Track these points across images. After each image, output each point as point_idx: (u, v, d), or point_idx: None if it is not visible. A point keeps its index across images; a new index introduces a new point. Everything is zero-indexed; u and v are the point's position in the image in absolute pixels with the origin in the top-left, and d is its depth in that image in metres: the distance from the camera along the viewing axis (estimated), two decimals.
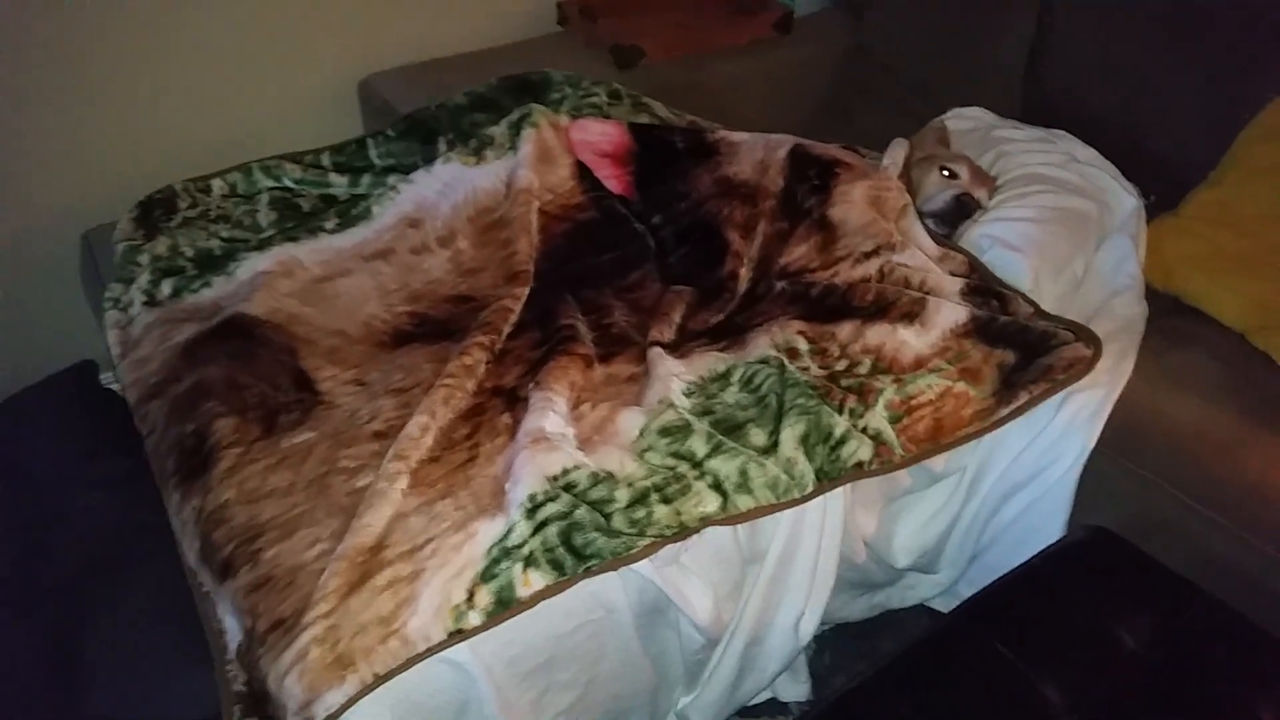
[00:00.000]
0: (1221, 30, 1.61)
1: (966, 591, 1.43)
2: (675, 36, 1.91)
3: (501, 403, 1.22)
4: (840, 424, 1.19)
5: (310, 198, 1.64)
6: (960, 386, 1.26)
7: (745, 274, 1.44)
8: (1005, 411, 1.25)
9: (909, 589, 1.46)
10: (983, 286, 1.41)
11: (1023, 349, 1.29)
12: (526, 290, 1.36)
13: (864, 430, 1.20)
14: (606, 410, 1.20)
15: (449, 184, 1.50)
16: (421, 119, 1.69)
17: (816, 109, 2.12)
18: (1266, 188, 1.47)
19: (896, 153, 1.57)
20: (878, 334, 1.30)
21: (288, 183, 1.65)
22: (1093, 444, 1.27)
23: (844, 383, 1.25)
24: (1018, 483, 1.32)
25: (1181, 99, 1.66)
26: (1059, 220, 1.50)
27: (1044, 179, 1.57)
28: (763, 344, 1.29)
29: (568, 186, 1.51)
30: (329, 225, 1.49)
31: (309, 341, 1.32)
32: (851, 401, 1.22)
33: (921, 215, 1.52)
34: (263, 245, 1.45)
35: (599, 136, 1.56)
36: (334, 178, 1.65)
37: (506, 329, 1.31)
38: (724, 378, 1.26)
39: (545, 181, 1.49)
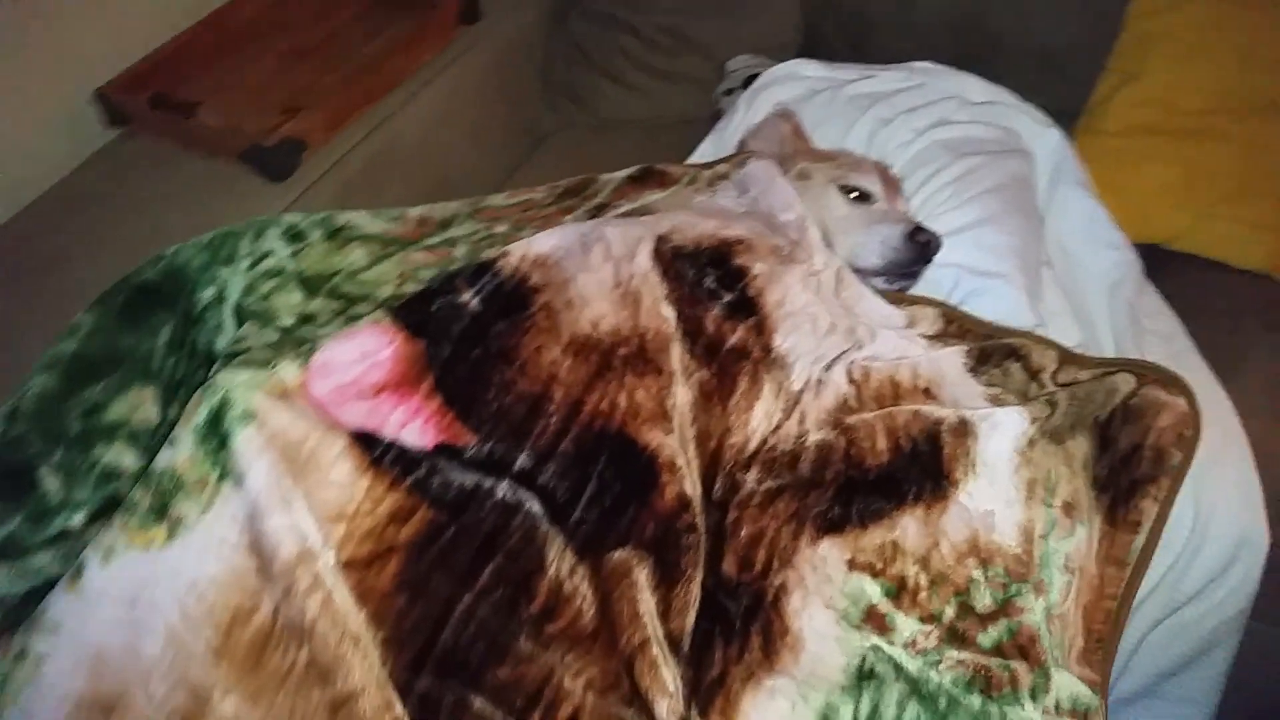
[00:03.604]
0: None
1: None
2: (334, 97, 1.15)
3: None
4: None
5: None
6: (1079, 534, 0.85)
7: (691, 489, 0.88)
8: (1141, 539, 0.88)
9: None
10: (989, 347, 0.99)
11: (1090, 427, 0.90)
12: None
13: (1058, 708, 0.77)
14: None
15: (136, 598, 0.74)
16: None
17: (541, 103, 1.49)
18: (1204, 67, 1.13)
19: (778, 187, 1.05)
20: (959, 522, 0.84)
21: None
22: (1267, 542, 0.92)
23: (983, 639, 0.79)
24: (1169, 605, 0.96)
25: None
26: (1012, 208, 1.09)
27: (954, 147, 1.14)
28: (819, 623, 0.79)
29: (360, 491, 0.80)
30: None
31: None
32: (1025, 675, 0.77)
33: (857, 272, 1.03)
34: None
35: (359, 365, 0.84)
36: None
37: None
38: None
39: (319, 509, 0.78)
